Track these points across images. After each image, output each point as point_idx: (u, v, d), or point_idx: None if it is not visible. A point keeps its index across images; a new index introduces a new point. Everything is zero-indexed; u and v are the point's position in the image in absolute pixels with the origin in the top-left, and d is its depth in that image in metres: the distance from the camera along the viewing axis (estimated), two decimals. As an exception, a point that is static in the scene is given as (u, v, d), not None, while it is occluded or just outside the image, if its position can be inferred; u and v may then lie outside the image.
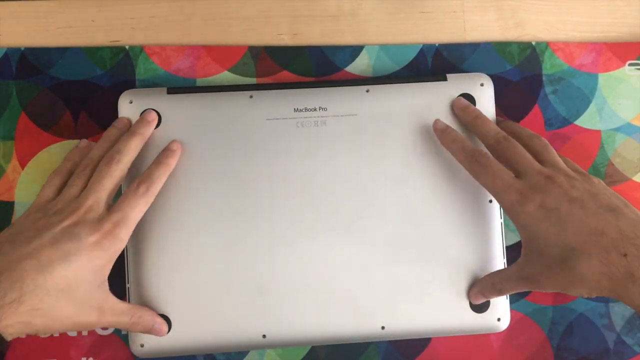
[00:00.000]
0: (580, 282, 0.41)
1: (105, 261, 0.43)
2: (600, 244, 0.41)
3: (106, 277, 0.44)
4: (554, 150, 0.47)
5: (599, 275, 0.40)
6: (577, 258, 0.41)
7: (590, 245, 0.41)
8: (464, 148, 0.47)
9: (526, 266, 0.44)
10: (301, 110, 0.50)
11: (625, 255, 0.40)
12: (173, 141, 0.48)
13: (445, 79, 0.51)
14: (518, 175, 0.45)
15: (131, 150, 0.47)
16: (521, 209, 0.43)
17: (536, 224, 0.42)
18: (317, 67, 0.53)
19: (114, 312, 0.44)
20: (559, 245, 0.42)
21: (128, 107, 0.50)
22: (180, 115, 0.49)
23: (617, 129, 0.53)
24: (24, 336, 0.42)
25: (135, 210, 0.45)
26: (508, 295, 0.49)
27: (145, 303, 0.48)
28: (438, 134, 0.49)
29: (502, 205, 0.45)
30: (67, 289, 0.41)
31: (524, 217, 0.43)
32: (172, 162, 0.48)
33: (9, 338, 0.39)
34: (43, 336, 0.45)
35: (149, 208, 0.47)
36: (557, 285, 0.42)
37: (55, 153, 0.52)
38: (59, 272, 0.41)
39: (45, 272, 0.40)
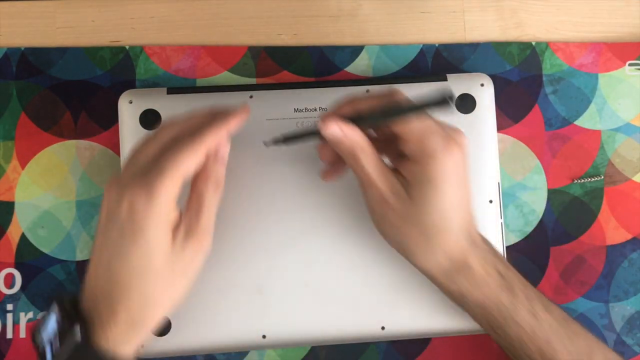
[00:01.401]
0: (426, 248, 0.41)
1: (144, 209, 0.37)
2: (462, 225, 0.41)
3: (164, 230, 0.38)
4: None
5: (445, 254, 0.41)
6: (444, 230, 0.41)
7: (458, 224, 0.41)
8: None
9: (408, 209, 0.40)
10: (301, 110, 0.50)
11: (468, 241, 0.42)
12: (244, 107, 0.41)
13: (445, 79, 0.51)
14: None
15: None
16: (448, 161, 0.39)
17: (446, 185, 0.39)
18: (317, 67, 0.53)
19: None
20: (442, 214, 0.40)
21: (128, 107, 0.50)
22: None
23: (617, 129, 0.53)
24: (138, 344, 0.40)
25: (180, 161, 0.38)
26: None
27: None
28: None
29: (417, 150, 0.40)
30: (139, 270, 0.37)
31: (444, 171, 0.39)
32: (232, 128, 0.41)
33: (129, 351, 0.38)
34: (153, 331, 0.40)
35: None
36: (412, 250, 0.42)
37: (55, 153, 0.52)
38: (122, 264, 0.37)
39: (110, 270, 0.37)
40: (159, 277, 0.38)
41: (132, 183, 0.37)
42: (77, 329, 0.37)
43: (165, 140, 0.40)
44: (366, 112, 0.40)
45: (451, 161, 0.39)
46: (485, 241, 0.44)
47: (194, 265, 0.40)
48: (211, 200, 0.40)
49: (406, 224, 0.41)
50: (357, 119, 0.40)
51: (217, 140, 0.39)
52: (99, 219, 0.39)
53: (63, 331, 0.37)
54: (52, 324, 0.37)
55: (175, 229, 0.39)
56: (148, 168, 0.37)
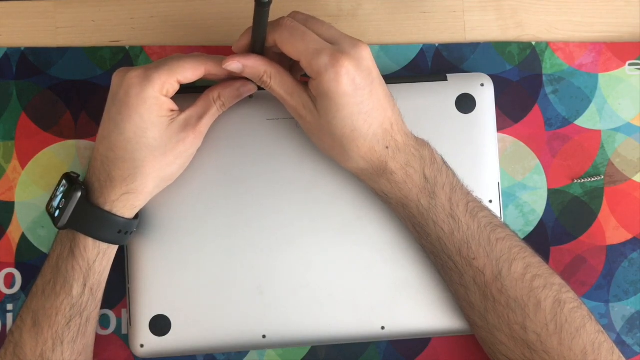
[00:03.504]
0: (345, 156, 0.44)
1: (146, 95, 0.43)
2: (376, 132, 0.43)
3: (167, 115, 0.44)
4: None
5: (362, 159, 0.44)
6: (355, 138, 0.43)
7: (370, 131, 0.43)
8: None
9: (318, 122, 0.44)
10: (301, 110, 0.49)
11: (387, 147, 0.44)
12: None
13: (445, 79, 0.51)
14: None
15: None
16: (334, 77, 0.41)
17: (342, 97, 0.42)
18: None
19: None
20: (346, 124, 0.42)
21: (128, 107, 0.50)
22: (180, 115, 0.49)
23: (617, 129, 0.53)
24: (135, 210, 0.45)
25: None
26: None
27: (145, 303, 0.48)
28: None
29: (310, 70, 0.42)
30: (133, 142, 0.43)
31: (335, 85, 0.41)
32: (248, 93, 0.47)
33: (126, 213, 0.44)
34: (144, 203, 0.46)
35: (149, 208, 0.47)
36: (335, 157, 0.46)
37: (55, 153, 0.52)
38: (119, 136, 0.43)
39: (109, 141, 0.44)
40: (150, 149, 0.43)
41: (133, 72, 0.43)
42: (79, 189, 0.44)
43: (172, 56, 0.45)
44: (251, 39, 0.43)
45: (342, 74, 0.41)
46: (418, 145, 0.45)
47: (186, 153, 0.45)
48: (214, 112, 0.46)
49: (322, 134, 0.44)
50: (256, 48, 0.44)
51: (217, 70, 0.44)
52: (107, 100, 0.45)
53: (68, 194, 0.44)
54: (59, 193, 0.45)
55: (173, 118, 0.44)
56: (150, 66, 0.44)
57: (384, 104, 0.44)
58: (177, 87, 0.44)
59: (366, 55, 0.42)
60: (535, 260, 0.45)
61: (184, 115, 0.45)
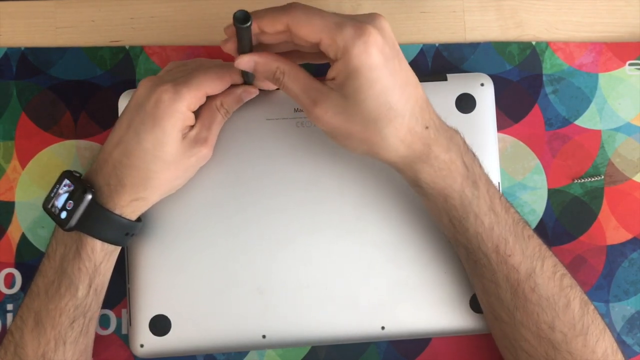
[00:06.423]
0: (382, 143, 0.41)
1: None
2: (413, 110, 0.41)
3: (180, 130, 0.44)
4: None
5: (402, 143, 0.41)
6: (392, 118, 0.40)
7: (407, 108, 0.40)
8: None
9: (347, 110, 0.40)
10: (301, 110, 0.49)
11: (427, 128, 0.41)
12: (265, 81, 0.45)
13: (445, 79, 0.51)
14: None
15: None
16: (363, 49, 0.38)
17: (374, 70, 0.39)
18: (317, 67, 0.53)
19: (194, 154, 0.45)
20: (380, 101, 0.39)
21: (128, 107, 0.50)
22: (180, 115, 0.49)
23: (617, 129, 0.53)
24: (139, 214, 0.46)
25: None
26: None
27: (145, 303, 0.48)
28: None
29: (334, 48, 0.39)
30: (150, 154, 0.43)
31: (365, 57, 0.38)
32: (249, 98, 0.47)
33: (133, 217, 0.45)
34: (151, 205, 0.46)
35: (150, 209, 0.47)
36: (371, 149, 0.42)
37: (55, 153, 0.52)
38: (137, 145, 0.43)
39: (125, 147, 0.44)
40: (165, 163, 0.44)
41: (162, 84, 0.43)
42: (89, 192, 0.43)
43: (196, 66, 0.46)
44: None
45: (371, 44, 0.38)
46: (451, 130, 0.43)
47: (194, 167, 0.46)
48: (220, 120, 0.46)
49: (352, 126, 0.40)
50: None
51: (241, 78, 0.45)
52: (127, 105, 0.45)
53: (76, 196, 0.43)
54: (63, 193, 0.44)
55: (187, 132, 0.45)
56: (179, 79, 0.44)
57: (414, 80, 0.41)
58: (203, 101, 0.44)
59: (387, 26, 0.40)
60: (558, 259, 0.45)
61: (194, 130, 0.45)
